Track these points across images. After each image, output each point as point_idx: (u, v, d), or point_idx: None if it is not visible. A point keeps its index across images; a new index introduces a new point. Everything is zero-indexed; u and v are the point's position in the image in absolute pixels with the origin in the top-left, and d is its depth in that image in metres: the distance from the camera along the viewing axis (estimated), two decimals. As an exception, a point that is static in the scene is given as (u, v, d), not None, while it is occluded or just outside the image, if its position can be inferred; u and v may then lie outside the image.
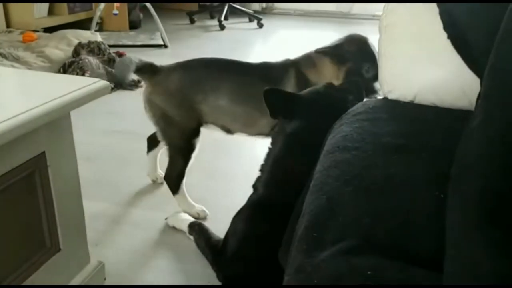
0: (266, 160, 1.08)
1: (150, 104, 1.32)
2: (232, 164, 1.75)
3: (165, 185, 1.57)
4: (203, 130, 1.35)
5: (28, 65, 2.53)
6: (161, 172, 1.52)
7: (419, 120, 0.91)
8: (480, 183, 0.54)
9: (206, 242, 1.19)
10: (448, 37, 0.93)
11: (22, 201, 0.86)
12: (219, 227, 1.20)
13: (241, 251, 1.04)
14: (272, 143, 1.09)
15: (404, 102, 1.00)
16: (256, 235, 1.02)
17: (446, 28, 0.93)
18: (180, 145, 1.32)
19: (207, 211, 1.42)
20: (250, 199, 1.08)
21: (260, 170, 1.09)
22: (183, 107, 1.29)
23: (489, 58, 0.60)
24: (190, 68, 1.31)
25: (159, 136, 1.35)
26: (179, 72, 1.30)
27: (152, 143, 1.54)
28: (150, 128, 2.07)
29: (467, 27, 0.91)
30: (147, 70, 1.31)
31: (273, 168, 1.05)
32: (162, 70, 1.31)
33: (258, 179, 1.08)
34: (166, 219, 1.36)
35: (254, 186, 1.09)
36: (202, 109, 1.29)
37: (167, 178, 1.38)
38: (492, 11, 0.81)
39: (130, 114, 2.20)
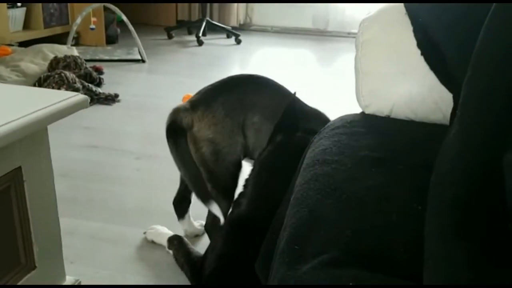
0: (251, 174, 1.09)
1: (199, 143, 1.18)
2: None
3: (143, 201, 1.55)
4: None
5: (2, 79, 2.48)
6: (197, 223, 1.40)
7: (395, 134, 0.94)
8: (453, 192, 0.56)
9: (186, 257, 1.18)
10: (422, 54, 0.96)
11: (-4, 217, 0.83)
12: (203, 242, 1.19)
13: (220, 268, 1.03)
14: (257, 159, 1.11)
15: (380, 117, 1.02)
16: (235, 253, 1.02)
17: (419, 45, 0.97)
18: (226, 185, 1.20)
19: None
20: (230, 215, 1.07)
21: (244, 186, 1.09)
22: (234, 134, 1.19)
23: (467, 70, 0.62)
24: (228, 90, 1.22)
25: (206, 180, 1.20)
26: (221, 97, 1.20)
27: (182, 206, 1.35)
28: (127, 143, 2.06)
29: (441, 43, 0.94)
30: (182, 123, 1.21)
31: (257, 180, 1.06)
32: (199, 103, 1.20)
33: (241, 194, 1.08)
34: (144, 233, 1.35)
35: (236, 202, 1.09)
36: (245, 132, 1.20)
37: (208, 227, 1.29)
38: (466, 26, 0.84)
39: (107, 129, 2.18)
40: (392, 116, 1.01)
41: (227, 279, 1.02)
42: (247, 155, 1.25)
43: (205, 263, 1.07)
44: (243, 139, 1.21)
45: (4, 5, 3.16)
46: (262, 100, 1.22)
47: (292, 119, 1.11)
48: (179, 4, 4.91)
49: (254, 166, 1.12)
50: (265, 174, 1.08)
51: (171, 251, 1.25)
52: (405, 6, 1.00)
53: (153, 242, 1.32)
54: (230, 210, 1.09)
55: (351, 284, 0.55)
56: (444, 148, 0.64)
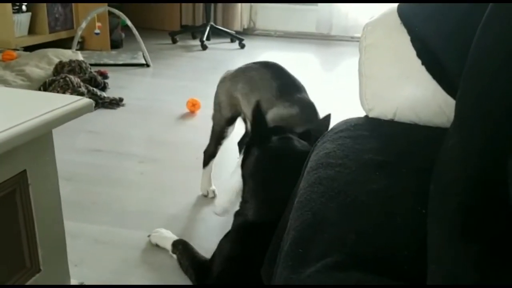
0: (246, 190, 1.09)
1: (216, 91, 1.56)
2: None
3: (146, 205, 1.56)
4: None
5: (7, 84, 2.50)
6: (214, 187, 1.67)
7: (399, 137, 0.93)
8: (458, 199, 0.56)
9: (190, 261, 1.18)
10: (422, 64, 0.96)
11: (1, 220, 0.84)
12: (207, 246, 1.19)
13: (227, 271, 1.03)
14: (244, 175, 1.12)
15: (384, 120, 1.02)
16: (243, 256, 1.02)
17: (419, 55, 0.96)
18: (216, 130, 1.56)
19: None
20: (237, 222, 1.07)
21: (244, 202, 1.09)
22: (228, 95, 1.50)
23: (461, 80, 0.62)
24: (248, 65, 1.53)
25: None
26: (241, 67, 1.53)
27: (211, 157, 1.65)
28: (131, 147, 2.06)
29: (440, 52, 0.94)
30: None
31: (255, 192, 1.06)
32: (233, 70, 1.55)
33: (244, 207, 1.08)
34: (148, 236, 1.35)
35: (239, 212, 1.09)
36: (238, 97, 1.47)
37: (204, 152, 1.63)
38: (463, 34, 0.84)
39: (111, 133, 2.19)
40: (396, 119, 1.01)
41: (234, 282, 1.01)
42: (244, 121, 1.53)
43: (213, 265, 1.07)
44: (235, 101, 1.49)
45: (10, 10, 3.19)
46: (259, 78, 1.44)
47: (262, 130, 1.12)
48: (183, 9, 4.94)
49: (245, 181, 1.12)
50: (261, 186, 1.08)
51: (175, 255, 1.25)
52: (400, 16, 0.99)
53: (157, 245, 1.32)
54: (235, 218, 1.10)
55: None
56: (443, 158, 0.64)
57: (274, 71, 1.46)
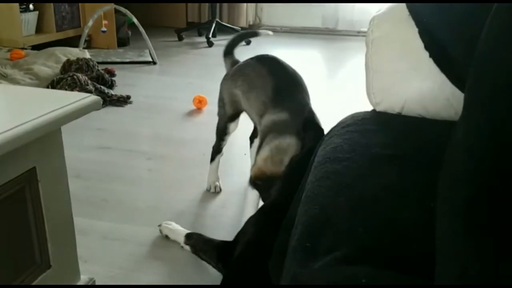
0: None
1: (220, 88, 1.58)
2: (229, 179, 1.75)
3: (155, 201, 1.57)
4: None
5: (15, 82, 2.52)
6: (218, 183, 1.67)
7: (406, 131, 0.93)
8: (466, 193, 0.55)
9: (209, 244, 1.19)
10: (430, 56, 0.95)
11: (12, 217, 0.85)
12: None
13: (247, 254, 1.03)
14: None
15: (392, 114, 1.02)
16: (263, 242, 1.01)
17: (427, 47, 0.96)
18: (220, 126, 1.58)
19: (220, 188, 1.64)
20: (264, 204, 1.09)
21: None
22: (229, 92, 1.52)
23: (469, 71, 0.61)
24: (245, 62, 1.54)
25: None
26: (240, 65, 1.55)
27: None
28: (139, 144, 2.08)
29: (448, 45, 0.93)
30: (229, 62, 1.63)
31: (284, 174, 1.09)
32: (237, 63, 1.59)
33: (274, 188, 1.11)
34: (159, 225, 1.36)
35: (269, 193, 1.11)
36: (238, 94, 1.48)
37: (212, 147, 1.64)
38: (471, 26, 0.84)
39: (119, 130, 2.20)
40: (404, 113, 1.01)
41: (252, 266, 1.01)
42: (251, 118, 1.51)
43: (237, 245, 1.08)
44: (235, 98, 1.50)
45: (17, 9, 3.21)
46: (256, 76, 1.45)
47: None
48: (189, 6, 4.94)
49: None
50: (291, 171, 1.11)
51: (187, 246, 1.26)
52: (408, 7, 0.99)
53: (167, 237, 1.33)
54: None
55: (363, 281, 0.55)
56: (451, 151, 0.64)
57: (270, 67, 1.45)
